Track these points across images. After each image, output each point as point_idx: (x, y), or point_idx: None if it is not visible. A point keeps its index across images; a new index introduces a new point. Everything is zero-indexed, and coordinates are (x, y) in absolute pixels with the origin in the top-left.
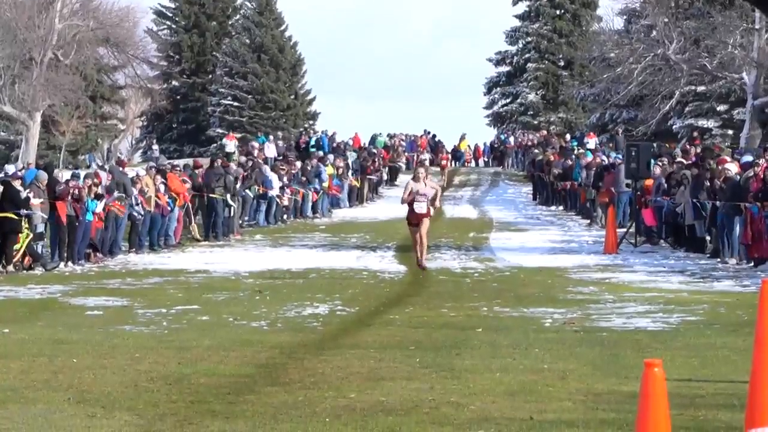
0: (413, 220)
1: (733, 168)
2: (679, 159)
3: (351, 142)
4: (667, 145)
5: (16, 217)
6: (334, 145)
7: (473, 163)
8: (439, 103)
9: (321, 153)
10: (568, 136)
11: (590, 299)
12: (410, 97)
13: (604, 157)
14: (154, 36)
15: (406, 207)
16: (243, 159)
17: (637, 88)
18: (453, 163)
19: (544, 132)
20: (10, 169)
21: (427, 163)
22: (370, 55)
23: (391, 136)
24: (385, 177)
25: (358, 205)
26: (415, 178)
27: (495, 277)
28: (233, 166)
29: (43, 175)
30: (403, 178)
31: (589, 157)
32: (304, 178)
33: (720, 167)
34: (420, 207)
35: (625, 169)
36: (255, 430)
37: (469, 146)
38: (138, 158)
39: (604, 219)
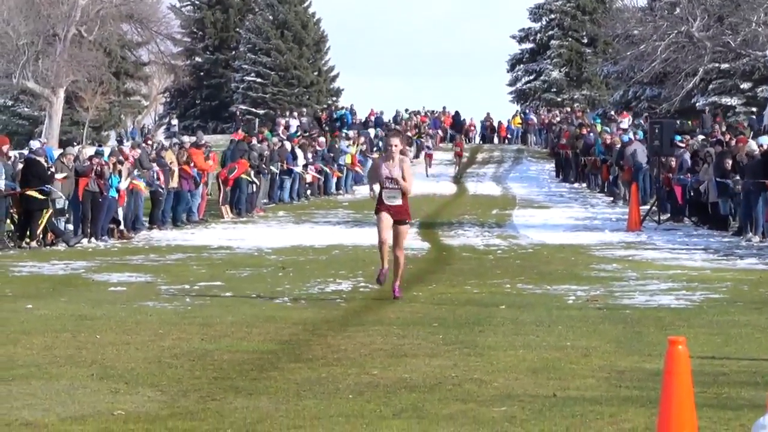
0: (382, 209)
1: (754, 145)
2: (701, 137)
3: (371, 118)
4: (690, 122)
5: (41, 195)
6: (357, 121)
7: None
8: (462, 80)
9: (349, 131)
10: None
11: (613, 276)
12: (433, 74)
13: (629, 135)
14: (178, 12)
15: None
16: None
17: (661, 65)
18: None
19: (567, 108)
20: (35, 144)
21: (431, 144)
22: (393, 31)
23: (414, 113)
24: (410, 153)
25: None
26: (385, 155)
27: (518, 254)
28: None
29: (71, 151)
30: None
31: (609, 134)
32: (331, 155)
33: (742, 145)
34: (389, 196)
35: (648, 146)
36: (278, 407)
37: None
38: (161, 134)
39: (627, 196)
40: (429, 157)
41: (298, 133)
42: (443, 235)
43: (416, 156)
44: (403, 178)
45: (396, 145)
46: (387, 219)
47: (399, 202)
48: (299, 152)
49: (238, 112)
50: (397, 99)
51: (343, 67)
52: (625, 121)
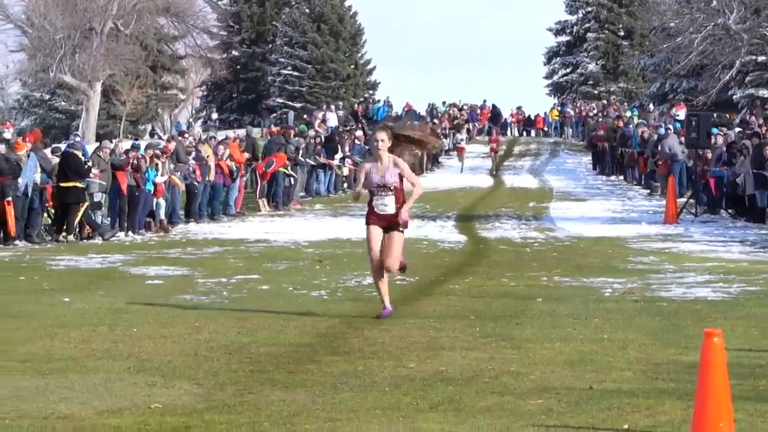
0: (375, 220)
1: None
2: (738, 129)
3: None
4: (727, 115)
5: (79, 186)
6: (394, 114)
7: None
8: (499, 73)
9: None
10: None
11: (650, 269)
12: (470, 66)
13: (665, 128)
14: (214, 6)
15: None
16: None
17: (698, 57)
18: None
19: (604, 101)
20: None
21: (464, 139)
22: (429, 24)
23: (451, 106)
24: (445, 146)
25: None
26: (372, 154)
27: (555, 246)
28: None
29: (107, 145)
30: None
31: (645, 127)
32: (367, 148)
33: None
34: (381, 204)
35: (686, 138)
36: (315, 400)
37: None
38: (198, 128)
39: (664, 189)
40: (461, 150)
41: (339, 128)
42: (480, 228)
43: (451, 150)
44: (406, 179)
45: (383, 140)
46: (377, 231)
47: (392, 210)
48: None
49: (264, 106)
50: (434, 92)
51: (380, 60)
52: (681, 113)
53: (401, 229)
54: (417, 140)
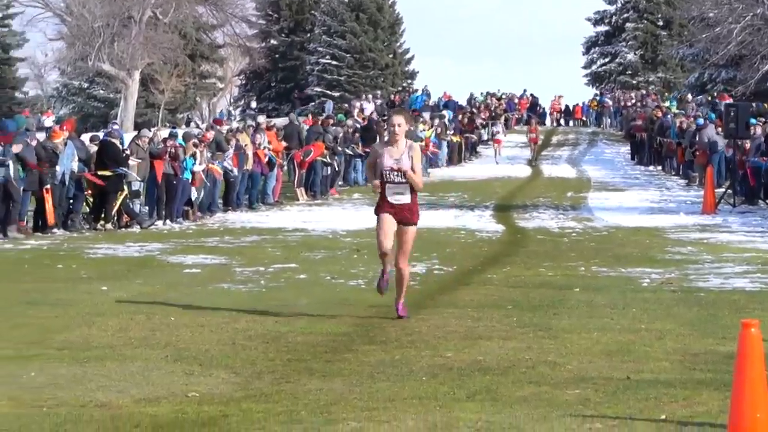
0: (385, 209)
1: None
2: None
3: (446, 101)
4: (765, 105)
5: (116, 174)
6: (431, 103)
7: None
8: (537, 63)
9: (424, 114)
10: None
11: (688, 259)
12: (508, 56)
13: (703, 118)
14: None
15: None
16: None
17: (736, 47)
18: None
19: (643, 91)
20: (113, 126)
21: (500, 131)
22: (467, 13)
23: (488, 96)
24: (484, 136)
25: (456, 164)
26: (388, 139)
27: (593, 236)
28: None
29: (145, 133)
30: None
31: (683, 117)
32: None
33: None
34: (396, 192)
35: (724, 129)
36: (352, 389)
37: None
38: (237, 116)
39: (702, 179)
40: (498, 142)
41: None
42: (518, 218)
43: (488, 140)
44: (412, 169)
45: (400, 125)
46: (390, 223)
47: (407, 199)
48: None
49: (296, 95)
50: (472, 82)
51: (418, 49)
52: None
53: (414, 222)
54: None
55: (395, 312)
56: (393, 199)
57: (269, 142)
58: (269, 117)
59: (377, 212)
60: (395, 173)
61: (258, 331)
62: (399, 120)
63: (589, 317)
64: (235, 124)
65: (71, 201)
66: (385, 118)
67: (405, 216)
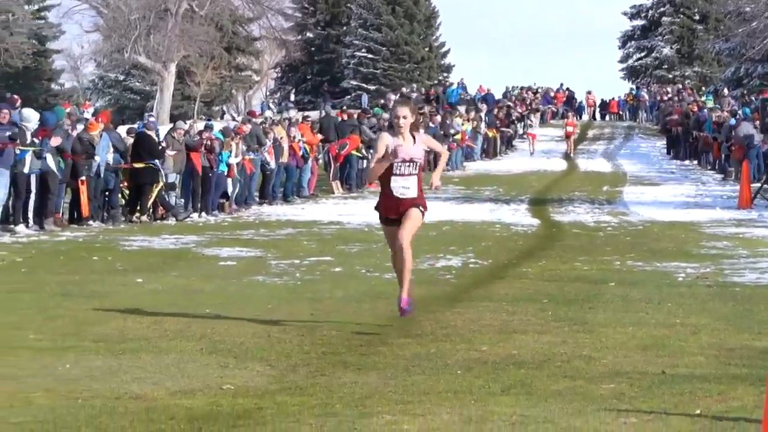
0: (390, 210)
1: None
2: None
3: (482, 94)
4: None
5: (152, 167)
6: (467, 97)
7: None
8: (573, 57)
9: (460, 108)
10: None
11: (723, 254)
12: (544, 49)
13: (739, 113)
14: None
15: (410, 181)
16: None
17: None
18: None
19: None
20: (147, 119)
21: (534, 125)
22: (504, 7)
23: (524, 89)
24: (519, 130)
25: (491, 157)
26: (394, 129)
27: (628, 231)
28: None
29: (181, 125)
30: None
31: (719, 112)
32: (442, 132)
33: None
34: (403, 186)
35: (760, 123)
36: (387, 382)
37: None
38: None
39: (738, 174)
40: (532, 136)
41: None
42: (553, 212)
43: (523, 133)
44: (432, 151)
45: (405, 117)
46: (392, 228)
47: (413, 193)
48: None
49: (326, 89)
50: (508, 75)
51: (454, 42)
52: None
53: (421, 209)
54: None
55: (398, 308)
56: (398, 193)
57: (302, 135)
58: (305, 110)
59: (378, 209)
60: (407, 165)
61: (293, 324)
62: (404, 112)
63: (624, 311)
64: (270, 115)
65: (107, 194)
66: (422, 111)
67: (408, 204)
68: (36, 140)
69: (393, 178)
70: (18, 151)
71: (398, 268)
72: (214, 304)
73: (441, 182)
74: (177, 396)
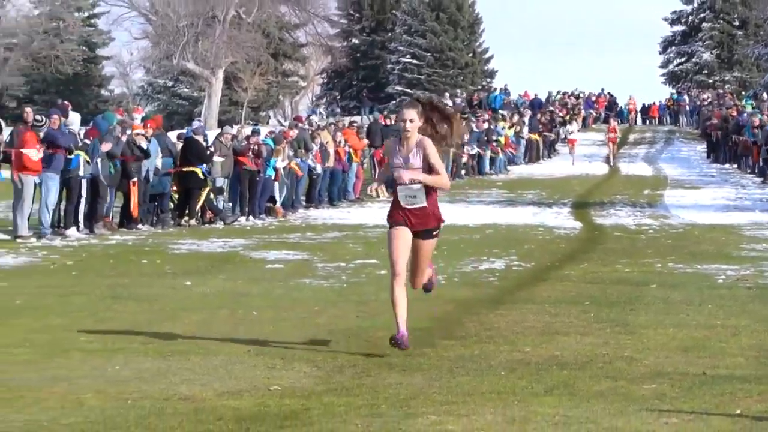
0: (400, 221)
1: None
2: None
3: (525, 99)
4: None
5: (200, 173)
6: (511, 102)
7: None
8: (613, 61)
9: (503, 112)
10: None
11: (763, 256)
12: (585, 54)
13: None
14: None
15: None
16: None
17: None
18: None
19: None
20: (194, 124)
21: (575, 131)
22: (544, 13)
23: (565, 94)
24: (561, 135)
25: (534, 161)
26: (399, 136)
27: (669, 233)
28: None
29: (229, 130)
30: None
31: (758, 117)
32: (485, 137)
33: None
34: (408, 195)
35: None
36: (431, 383)
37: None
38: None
39: None
40: (572, 142)
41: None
42: (595, 215)
43: (564, 138)
44: (431, 168)
45: (412, 120)
46: (405, 236)
47: (422, 203)
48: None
49: (365, 95)
50: (549, 80)
51: (497, 48)
52: None
53: (435, 233)
54: (448, 119)
55: (394, 339)
56: (406, 203)
57: (348, 140)
58: (351, 115)
59: (390, 222)
60: (406, 171)
61: (339, 326)
62: (411, 114)
63: (665, 313)
64: (315, 119)
65: (157, 198)
66: (466, 116)
67: (424, 225)
68: (87, 141)
69: (398, 187)
70: (71, 156)
71: (397, 302)
72: (262, 306)
73: (408, 178)
74: (225, 397)
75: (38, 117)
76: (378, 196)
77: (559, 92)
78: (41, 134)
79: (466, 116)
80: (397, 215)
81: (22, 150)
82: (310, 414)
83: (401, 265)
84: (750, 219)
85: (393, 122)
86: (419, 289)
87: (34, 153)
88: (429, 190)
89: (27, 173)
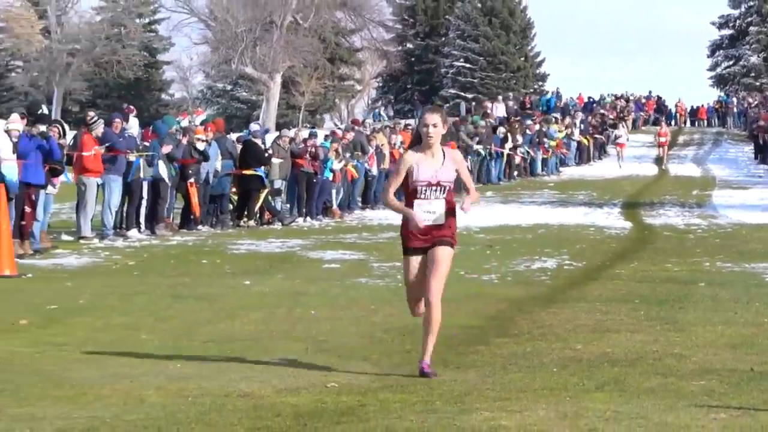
0: (415, 238)
1: None
2: None
3: (576, 102)
4: None
5: (259, 174)
6: (561, 105)
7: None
8: (662, 64)
9: (556, 115)
10: None
11: None
12: (634, 57)
13: None
14: (390, 0)
15: (435, 204)
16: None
17: None
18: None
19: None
20: (254, 127)
21: (623, 135)
22: (593, 17)
23: (617, 97)
24: (611, 137)
25: (585, 163)
26: (421, 144)
27: (717, 233)
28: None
29: (286, 133)
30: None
31: None
32: (537, 139)
33: None
34: (427, 211)
35: None
36: (485, 379)
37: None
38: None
39: None
40: (620, 146)
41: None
42: (645, 215)
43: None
44: (462, 182)
45: (435, 125)
46: (421, 269)
47: (441, 219)
48: (509, 135)
49: (416, 98)
50: (598, 83)
51: (548, 52)
52: None
53: (451, 244)
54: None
55: (419, 369)
56: (427, 218)
57: (402, 142)
58: (405, 118)
59: (405, 246)
60: (433, 189)
61: (395, 324)
62: (434, 119)
63: (713, 311)
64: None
65: (216, 199)
66: (518, 119)
67: (436, 235)
68: (146, 143)
69: (416, 201)
70: (132, 159)
71: (423, 324)
72: (319, 305)
73: (471, 207)
74: (283, 394)
75: (91, 113)
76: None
77: (610, 95)
78: (96, 134)
79: (518, 119)
80: (412, 240)
81: (81, 153)
82: (366, 410)
83: (414, 288)
84: None
85: (453, 124)
86: (466, 289)
87: (91, 153)
88: (448, 206)
89: (88, 175)
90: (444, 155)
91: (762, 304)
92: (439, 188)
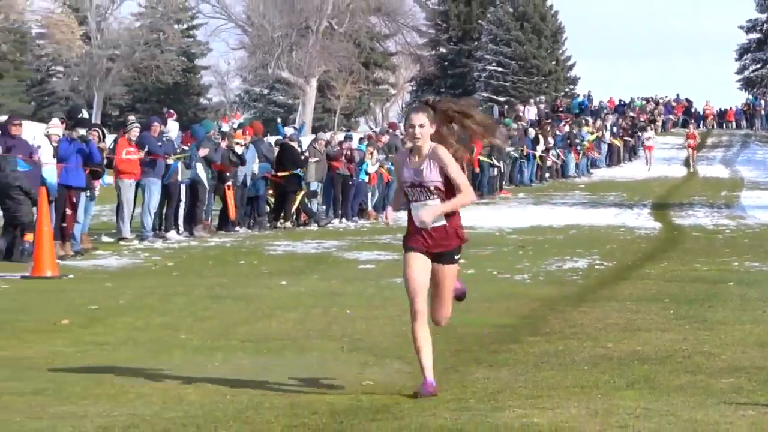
0: (418, 240)
1: None
2: None
3: (607, 105)
4: None
5: (295, 175)
6: (593, 108)
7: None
8: (690, 67)
9: (587, 117)
10: None
11: None
12: (663, 61)
13: None
14: (423, 5)
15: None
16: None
17: None
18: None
19: None
20: (288, 131)
21: (651, 137)
22: (623, 21)
23: (647, 100)
24: (641, 139)
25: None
26: (411, 149)
27: (746, 233)
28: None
29: (322, 136)
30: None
31: None
32: (568, 141)
33: None
34: (424, 216)
35: None
36: (517, 377)
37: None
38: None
39: None
40: (649, 149)
41: (540, 120)
42: (674, 216)
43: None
44: (450, 181)
45: (422, 125)
46: (422, 265)
47: (441, 221)
48: (540, 137)
49: None
50: (628, 86)
51: (579, 56)
52: None
53: (456, 257)
54: (474, 121)
55: (420, 390)
56: (419, 222)
57: None
58: None
59: (405, 246)
60: (418, 190)
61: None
62: (420, 119)
63: (742, 310)
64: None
65: (253, 201)
66: (549, 121)
67: (441, 245)
68: (185, 147)
69: (412, 205)
70: (171, 162)
71: (421, 345)
72: (354, 305)
73: (431, 219)
74: (319, 392)
75: (131, 118)
76: (391, 224)
77: (639, 98)
78: (130, 137)
79: (549, 122)
80: (413, 239)
81: (119, 157)
82: (401, 408)
83: (421, 301)
84: None
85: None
86: (499, 288)
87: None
88: (442, 208)
89: (124, 177)
90: (428, 155)
91: None
92: (423, 190)
